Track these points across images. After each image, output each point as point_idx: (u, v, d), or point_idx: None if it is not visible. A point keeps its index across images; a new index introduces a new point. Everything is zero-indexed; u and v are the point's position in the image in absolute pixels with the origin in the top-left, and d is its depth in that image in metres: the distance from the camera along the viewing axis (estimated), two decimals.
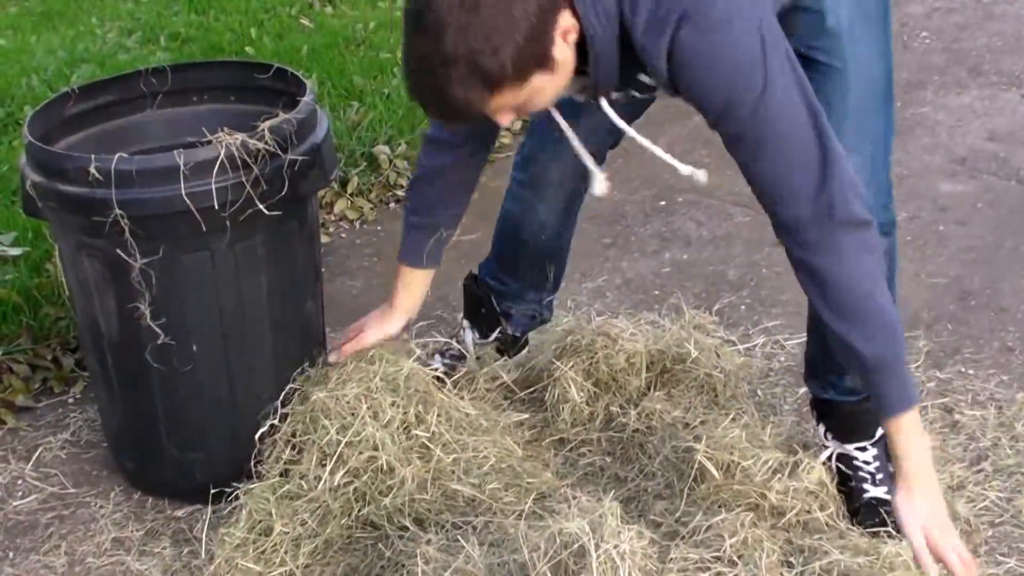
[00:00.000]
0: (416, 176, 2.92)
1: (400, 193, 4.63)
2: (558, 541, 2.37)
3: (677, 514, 2.80)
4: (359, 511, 2.77)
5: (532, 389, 3.31)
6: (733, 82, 2.25)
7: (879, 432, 2.94)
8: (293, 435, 2.84)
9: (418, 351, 3.54)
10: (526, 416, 3.21)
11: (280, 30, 6.04)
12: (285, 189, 2.77)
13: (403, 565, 2.64)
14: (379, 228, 4.45)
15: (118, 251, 2.73)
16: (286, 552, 2.72)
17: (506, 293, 3.33)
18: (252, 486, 2.81)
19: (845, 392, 2.91)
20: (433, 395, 2.91)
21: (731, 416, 2.98)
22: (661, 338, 3.29)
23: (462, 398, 3.00)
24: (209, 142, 2.73)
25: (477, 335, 3.39)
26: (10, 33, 6.18)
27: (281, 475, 2.83)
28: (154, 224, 2.71)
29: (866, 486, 2.91)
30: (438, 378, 3.03)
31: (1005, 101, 5.21)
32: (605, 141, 3.00)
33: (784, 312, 3.64)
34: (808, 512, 2.79)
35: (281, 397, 2.88)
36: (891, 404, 2.45)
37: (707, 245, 4.14)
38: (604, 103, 2.45)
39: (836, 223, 2.34)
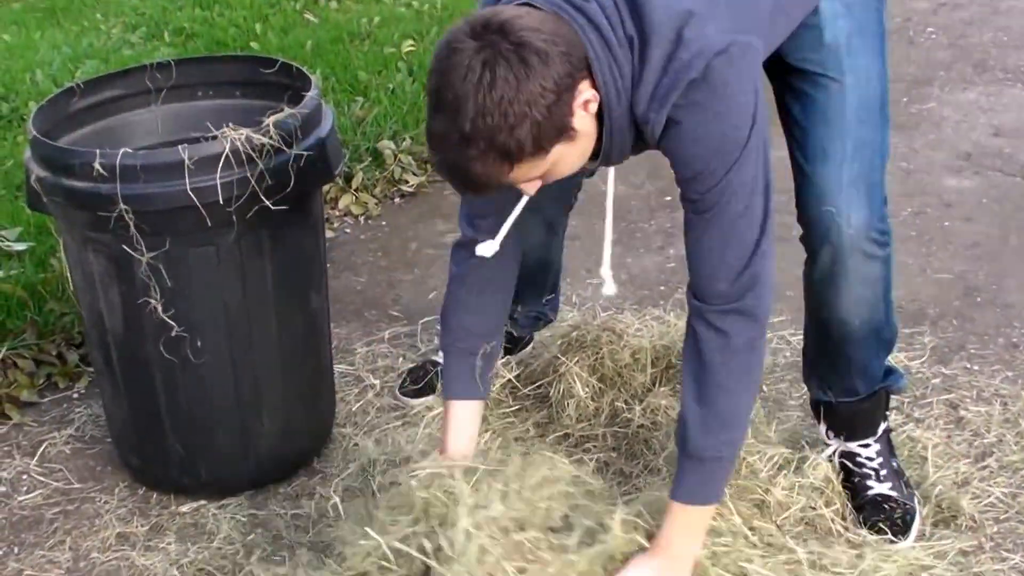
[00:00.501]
0: (449, 289, 2.71)
1: (405, 188, 4.63)
2: None
3: None
4: None
5: (537, 384, 3.31)
6: (713, 155, 2.25)
7: (882, 428, 2.94)
8: None
9: (422, 348, 3.57)
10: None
11: (285, 25, 6.04)
12: (290, 184, 2.77)
13: None
14: (384, 223, 4.45)
15: (123, 246, 2.73)
16: None
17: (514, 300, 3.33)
18: None
19: (844, 393, 2.91)
20: None
21: None
22: (666, 333, 3.29)
23: None
24: (214, 137, 2.73)
25: None
26: (15, 29, 6.19)
27: None
28: (159, 219, 2.71)
29: (870, 483, 2.91)
30: None
31: (1011, 97, 5.21)
32: (569, 199, 3.11)
33: (789, 308, 3.63)
34: (813, 508, 2.79)
35: None
36: (685, 491, 2.42)
37: None
38: (611, 171, 2.45)
39: (743, 306, 2.34)
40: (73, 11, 6.45)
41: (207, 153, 2.69)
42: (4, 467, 3.25)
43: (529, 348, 3.42)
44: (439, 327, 2.81)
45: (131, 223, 2.68)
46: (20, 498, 3.14)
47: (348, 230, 4.41)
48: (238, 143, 2.71)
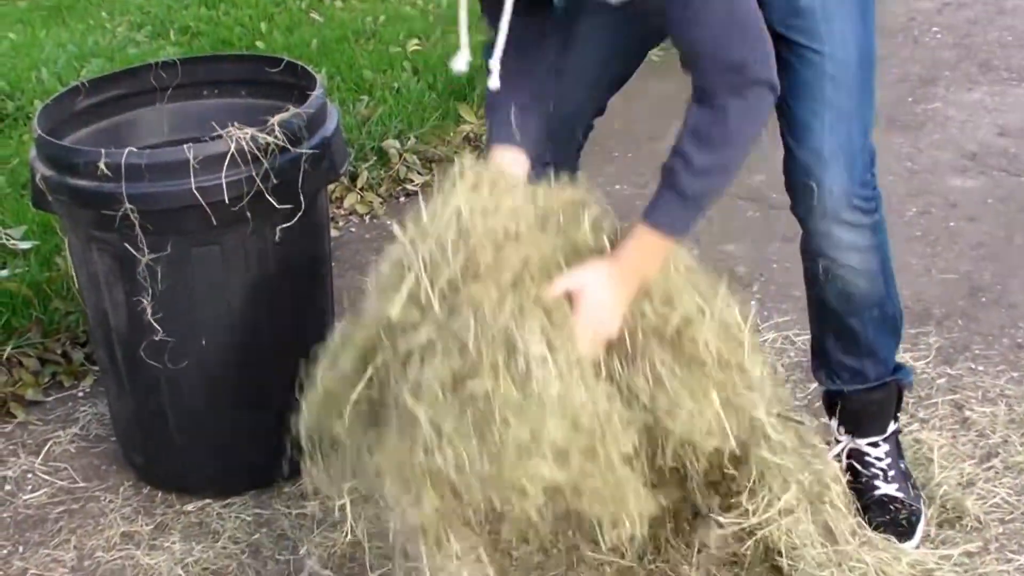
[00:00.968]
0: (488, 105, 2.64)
1: (410, 187, 4.63)
2: None
3: None
4: None
5: None
6: None
7: (891, 427, 2.94)
8: None
9: None
10: None
11: (290, 24, 6.04)
12: (295, 184, 2.77)
13: None
14: (389, 223, 4.44)
15: (127, 245, 2.74)
16: None
17: None
18: None
19: (853, 377, 2.90)
20: None
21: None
22: None
23: None
24: (219, 136, 2.73)
25: None
26: (20, 27, 6.19)
27: None
28: (164, 218, 2.71)
29: (877, 483, 2.91)
30: None
31: (1016, 97, 5.20)
32: (586, 111, 2.95)
33: (794, 308, 3.63)
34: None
35: None
36: (658, 216, 2.43)
37: (716, 241, 4.13)
38: None
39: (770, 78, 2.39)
40: (78, 10, 6.45)
41: (212, 152, 2.69)
42: (9, 466, 3.25)
43: None
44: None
45: (136, 222, 2.68)
46: (25, 497, 3.15)
47: (353, 229, 4.41)
48: (243, 142, 2.71)
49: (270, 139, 2.74)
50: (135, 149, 2.72)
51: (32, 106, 5.00)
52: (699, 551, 2.62)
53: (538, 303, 2.29)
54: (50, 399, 3.51)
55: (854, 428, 2.95)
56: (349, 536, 2.91)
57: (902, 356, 3.41)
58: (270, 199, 2.73)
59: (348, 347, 2.45)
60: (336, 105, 3.26)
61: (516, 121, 2.56)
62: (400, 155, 4.70)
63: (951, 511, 2.90)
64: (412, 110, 4.97)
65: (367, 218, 4.48)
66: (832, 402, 2.99)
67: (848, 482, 2.87)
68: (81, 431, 3.37)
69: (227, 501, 3.06)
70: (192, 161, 2.67)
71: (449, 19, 5.98)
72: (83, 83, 3.10)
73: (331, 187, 4.02)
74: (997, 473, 3.04)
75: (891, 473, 2.92)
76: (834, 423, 2.99)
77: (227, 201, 2.70)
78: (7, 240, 3.78)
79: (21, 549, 2.98)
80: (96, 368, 3.46)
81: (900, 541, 2.80)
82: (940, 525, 2.87)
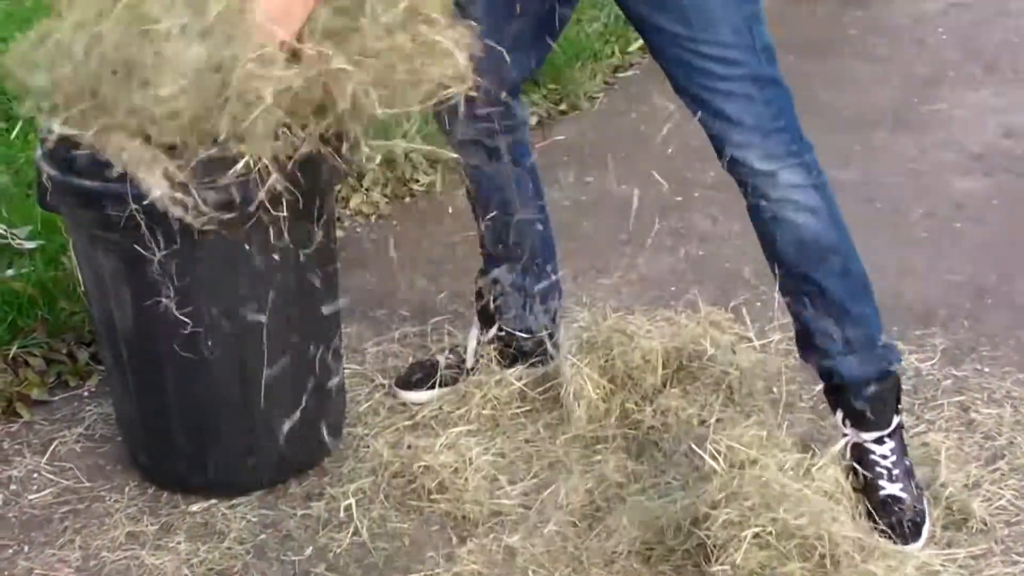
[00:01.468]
0: None
1: (416, 187, 4.63)
2: None
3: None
4: None
5: (548, 386, 3.31)
6: None
7: (895, 421, 2.93)
8: None
9: (433, 348, 3.58)
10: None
11: None
12: (302, 183, 2.77)
13: None
14: (394, 223, 4.45)
15: (134, 245, 2.73)
16: None
17: (497, 279, 3.36)
18: None
19: (839, 346, 2.88)
20: None
21: (747, 415, 2.96)
22: (677, 335, 3.29)
23: None
24: None
25: (482, 332, 3.41)
26: (26, 27, 6.17)
27: None
28: (169, 219, 2.70)
29: (881, 482, 2.89)
30: None
31: (1021, 98, 5.21)
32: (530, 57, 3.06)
33: None
34: None
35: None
36: None
37: (723, 241, 4.14)
38: None
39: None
40: None
41: (219, 152, 2.68)
42: (14, 465, 3.25)
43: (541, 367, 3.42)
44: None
45: (142, 222, 2.68)
46: (30, 497, 3.14)
47: (359, 229, 4.41)
48: None
49: None
50: None
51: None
52: None
53: None
54: (55, 399, 3.50)
55: (858, 422, 2.93)
56: (354, 537, 2.94)
57: (907, 358, 3.43)
58: (277, 199, 2.72)
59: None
60: None
61: None
62: (406, 155, 4.70)
63: (956, 513, 2.90)
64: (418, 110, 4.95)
65: (373, 218, 4.48)
66: (834, 395, 2.97)
67: (852, 483, 2.88)
68: (86, 431, 3.37)
69: (233, 502, 3.06)
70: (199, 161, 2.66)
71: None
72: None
73: (337, 187, 4.01)
74: (1003, 475, 3.04)
75: (895, 472, 2.90)
76: (839, 416, 2.96)
77: (234, 202, 2.69)
78: (13, 240, 3.78)
79: (26, 549, 2.98)
80: (101, 368, 3.46)
81: (905, 544, 2.79)
82: (946, 527, 2.87)
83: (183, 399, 2.97)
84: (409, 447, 3.15)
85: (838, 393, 2.95)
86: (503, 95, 3.01)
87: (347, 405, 3.31)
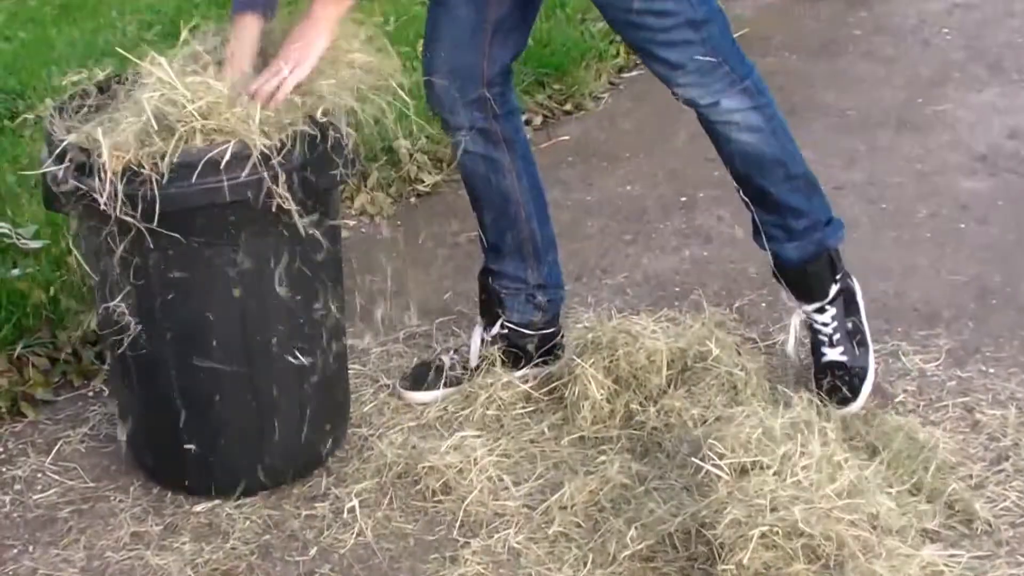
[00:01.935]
0: None
1: (420, 187, 4.63)
2: None
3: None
4: None
5: (552, 387, 3.31)
6: None
7: (833, 291, 3.19)
8: None
9: (437, 348, 3.58)
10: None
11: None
12: (307, 183, 2.77)
13: None
14: (399, 223, 4.45)
15: (137, 245, 2.73)
16: None
17: (498, 273, 3.38)
18: None
19: (781, 234, 3.18)
20: None
21: (746, 414, 2.94)
22: (682, 336, 3.28)
23: None
24: None
25: (486, 330, 3.42)
26: (30, 26, 6.20)
27: None
28: (174, 218, 2.71)
29: (824, 349, 3.18)
30: None
31: None
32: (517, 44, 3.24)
33: None
34: None
35: None
36: None
37: (728, 242, 4.13)
38: None
39: None
40: (89, 8, 6.44)
41: (223, 153, 2.69)
42: (19, 465, 3.25)
43: (545, 367, 3.43)
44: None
45: (142, 224, 2.68)
46: (35, 496, 3.14)
47: (363, 229, 4.41)
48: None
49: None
50: None
51: (43, 105, 5.00)
52: None
53: None
54: (60, 398, 3.51)
55: (800, 295, 3.24)
56: (359, 538, 2.94)
57: (912, 359, 3.42)
58: (282, 200, 2.72)
59: None
60: None
61: None
62: (410, 155, 4.69)
63: (961, 514, 2.89)
64: (423, 110, 4.95)
65: (377, 218, 4.48)
66: (779, 274, 3.25)
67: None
68: (91, 431, 3.37)
69: (237, 502, 3.06)
70: (202, 162, 2.66)
71: None
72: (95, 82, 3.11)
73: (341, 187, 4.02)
74: (1008, 476, 3.03)
75: (836, 337, 3.19)
76: (785, 294, 3.29)
77: (238, 202, 2.69)
78: (18, 239, 3.78)
79: (31, 548, 2.98)
80: (106, 368, 3.46)
81: (842, 407, 3.08)
82: (950, 528, 2.87)
83: (187, 399, 2.96)
84: (414, 447, 3.15)
85: (782, 272, 3.25)
86: (495, 77, 3.20)
87: (352, 405, 3.31)
